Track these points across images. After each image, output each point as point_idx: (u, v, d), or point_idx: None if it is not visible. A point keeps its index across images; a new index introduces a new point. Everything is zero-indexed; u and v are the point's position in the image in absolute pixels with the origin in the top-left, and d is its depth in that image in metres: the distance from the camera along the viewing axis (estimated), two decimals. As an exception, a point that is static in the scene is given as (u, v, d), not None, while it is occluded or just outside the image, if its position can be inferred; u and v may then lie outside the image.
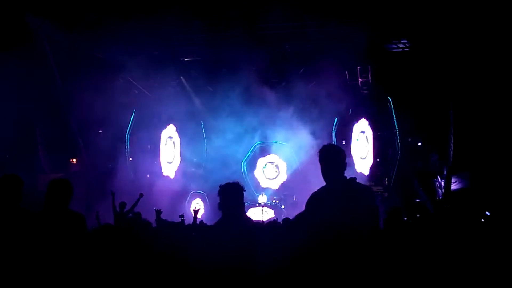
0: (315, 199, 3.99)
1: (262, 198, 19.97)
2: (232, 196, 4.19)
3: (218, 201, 4.21)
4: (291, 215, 11.36)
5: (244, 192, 4.25)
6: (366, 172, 19.39)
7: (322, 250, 3.76)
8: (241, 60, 16.76)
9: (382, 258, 4.07)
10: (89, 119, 16.67)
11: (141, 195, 13.34)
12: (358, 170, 19.30)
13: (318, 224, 3.83)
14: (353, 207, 3.78)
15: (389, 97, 18.60)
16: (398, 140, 18.75)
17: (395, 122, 18.61)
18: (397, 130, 18.72)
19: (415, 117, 17.94)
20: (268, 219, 18.06)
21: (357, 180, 3.97)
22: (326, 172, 4.02)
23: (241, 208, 4.26)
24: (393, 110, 18.64)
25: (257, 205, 19.39)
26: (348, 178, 3.99)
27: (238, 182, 4.27)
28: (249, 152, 20.73)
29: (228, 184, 4.25)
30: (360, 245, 3.72)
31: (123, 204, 12.49)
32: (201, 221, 13.92)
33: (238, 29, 15.98)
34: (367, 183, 18.54)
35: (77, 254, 4.17)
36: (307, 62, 18.03)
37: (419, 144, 19.23)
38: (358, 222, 3.75)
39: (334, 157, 4.04)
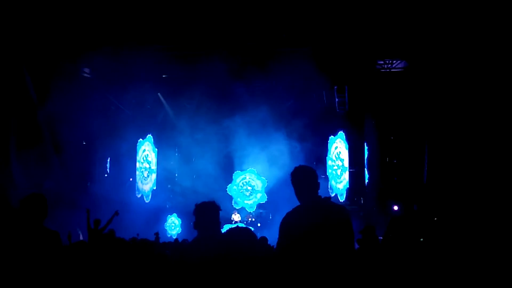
0: (289, 217, 4.01)
1: (236, 217, 19.88)
2: (207, 215, 4.16)
3: (194, 220, 4.18)
4: (267, 234, 11.41)
5: (220, 211, 4.23)
6: (342, 191, 19.51)
7: (297, 268, 3.77)
8: (217, 77, 16.85)
9: (357, 276, 4.09)
10: (64, 134, 16.49)
11: (117, 213, 13.18)
12: (334, 189, 19.43)
13: (292, 242, 3.84)
14: (327, 225, 3.80)
15: (365, 116, 18.80)
16: (375, 159, 18.92)
17: (372, 140, 18.80)
18: (372, 149, 18.91)
19: (390, 135, 18.19)
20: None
21: (331, 199, 4.01)
22: (299, 193, 4.05)
23: (217, 227, 4.24)
24: (370, 129, 18.84)
25: (233, 223, 19.29)
26: (322, 197, 4.03)
27: (214, 201, 4.25)
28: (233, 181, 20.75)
29: (203, 203, 4.21)
30: (335, 263, 3.74)
31: (97, 221, 12.32)
32: (176, 239, 13.86)
33: (214, 47, 16.06)
34: (343, 202, 18.69)
35: (53, 271, 4.10)
36: (283, 80, 18.11)
37: (394, 161, 19.42)
38: (332, 239, 3.77)
39: (306, 177, 4.06)
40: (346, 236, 3.86)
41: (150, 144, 21.37)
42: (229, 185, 20.78)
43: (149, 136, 21.22)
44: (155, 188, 21.13)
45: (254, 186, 20.70)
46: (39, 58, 15.56)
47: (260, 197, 20.60)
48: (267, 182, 20.42)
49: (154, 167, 21.39)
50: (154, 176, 21.33)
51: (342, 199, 19.19)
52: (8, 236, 4.27)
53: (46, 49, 15.34)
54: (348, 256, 3.83)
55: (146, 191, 20.91)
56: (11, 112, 15.13)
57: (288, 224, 3.97)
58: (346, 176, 19.69)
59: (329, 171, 20.01)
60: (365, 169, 19.67)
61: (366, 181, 19.48)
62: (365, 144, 19.32)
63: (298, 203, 4.07)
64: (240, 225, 18.58)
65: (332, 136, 20.00)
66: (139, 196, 20.40)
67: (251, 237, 3.93)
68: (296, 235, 3.82)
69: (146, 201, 20.38)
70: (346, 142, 19.73)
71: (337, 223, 3.85)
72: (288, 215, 4.03)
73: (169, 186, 21.69)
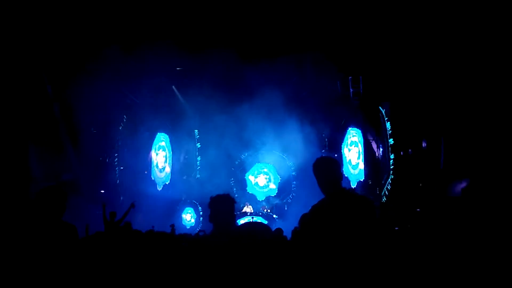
0: (316, 210, 3.98)
1: (247, 208, 19.93)
2: (222, 208, 4.18)
3: (209, 213, 4.20)
4: (283, 225, 11.42)
5: (235, 204, 4.25)
6: (356, 178, 19.46)
7: (324, 262, 3.75)
8: (231, 69, 16.86)
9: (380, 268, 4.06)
10: (80, 127, 16.66)
11: (133, 205, 13.31)
12: (350, 180, 19.37)
13: (320, 237, 3.81)
14: (355, 217, 3.78)
15: (380, 107, 18.65)
16: (390, 149, 18.78)
17: (387, 131, 18.66)
18: (388, 139, 18.78)
19: (406, 125, 18.02)
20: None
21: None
22: (323, 185, 4.01)
23: (232, 220, 4.25)
24: (384, 119, 18.70)
25: (248, 214, 19.33)
26: (347, 189, 3.99)
27: (229, 194, 4.26)
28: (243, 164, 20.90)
29: (218, 196, 4.24)
30: (364, 255, 3.72)
31: (113, 214, 12.45)
32: (199, 231, 13.94)
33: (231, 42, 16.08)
34: (358, 192, 18.59)
35: (69, 265, 4.12)
36: (298, 71, 18.06)
37: (410, 151, 19.24)
38: (360, 231, 3.75)
39: (329, 168, 4.02)
40: (373, 228, 3.82)
41: (165, 136, 21.49)
42: (247, 172, 20.87)
43: (164, 128, 21.34)
44: (168, 182, 21.25)
45: (269, 178, 20.85)
46: (55, 54, 15.71)
47: (272, 189, 20.72)
48: (282, 171, 20.54)
49: (169, 158, 21.51)
50: (169, 167, 21.44)
51: (353, 185, 19.16)
52: (25, 229, 4.23)
53: (61, 45, 15.48)
54: (375, 248, 3.79)
55: (161, 182, 21.05)
56: (28, 106, 15.30)
57: (316, 217, 3.95)
58: (361, 166, 19.63)
59: (345, 161, 19.95)
60: (379, 160, 19.57)
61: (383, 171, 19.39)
62: (380, 134, 19.19)
63: (314, 194, 4.05)
64: (258, 218, 18.69)
65: (349, 128, 19.95)
66: (155, 186, 20.54)
67: (266, 231, 3.93)
68: (326, 228, 3.80)
69: (161, 193, 20.48)
70: (361, 134, 19.65)
71: (364, 215, 3.82)
72: (314, 207, 4.01)
73: (184, 177, 21.79)
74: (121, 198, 18.00)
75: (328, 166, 4.04)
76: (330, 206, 3.90)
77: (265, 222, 17.95)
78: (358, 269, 3.69)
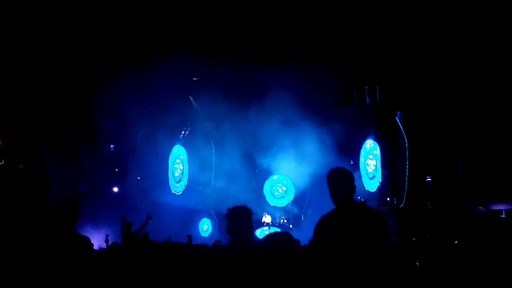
0: (324, 223, 3.95)
1: (266, 218, 19.84)
2: (240, 220, 4.16)
3: (226, 225, 4.18)
4: (299, 235, 11.35)
5: (251, 215, 4.22)
6: (373, 190, 19.31)
7: (334, 275, 3.71)
8: (250, 81, 16.90)
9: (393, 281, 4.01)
10: (97, 138, 16.82)
11: (150, 217, 13.38)
12: (366, 189, 19.22)
13: (328, 247, 3.78)
14: (363, 230, 3.74)
15: (396, 117, 18.55)
16: (408, 159, 18.64)
17: (405, 140, 18.53)
18: (407, 149, 18.64)
19: (423, 135, 17.88)
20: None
21: (366, 203, 3.94)
22: (335, 195, 3.99)
23: (250, 232, 4.22)
24: (401, 128, 18.58)
25: (265, 225, 19.26)
26: (358, 202, 3.96)
27: (245, 206, 4.24)
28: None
29: (235, 207, 4.22)
30: (373, 268, 3.67)
31: (129, 224, 12.53)
32: (215, 242, 13.91)
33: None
34: (376, 204, 18.46)
35: (80, 275, 4.09)
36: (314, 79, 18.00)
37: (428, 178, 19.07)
38: (369, 244, 3.71)
39: (342, 180, 4.00)
40: (383, 241, 3.78)
41: (181, 148, 21.56)
42: (266, 181, 20.93)
43: (182, 139, 21.41)
44: (186, 189, 21.28)
45: (285, 190, 20.77)
46: (74, 65, 15.93)
47: (288, 199, 20.66)
48: (297, 180, 20.46)
49: (186, 169, 21.55)
50: (186, 178, 21.48)
51: (373, 199, 18.97)
52: (38, 238, 4.21)
53: (80, 55, 15.69)
54: (385, 261, 3.75)
55: (179, 193, 21.09)
56: (47, 119, 15.51)
57: (323, 228, 3.93)
58: (378, 176, 19.47)
59: (362, 170, 19.81)
60: (397, 170, 19.42)
61: (399, 181, 19.23)
62: (397, 144, 19.07)
63: (330, 203, 4.01)
64: (274, 229, 18.60)
65: (368, 138, 19.82)
66: (172, 196, 20.59)
67: (290, 243, 3.87)
68: (332, 240, 3.77)
69: (178, 203, 20.49)
70: (378, 145, 19.52)
71: (374, 228, 3.79)
72: (323, 218, 3.99)
73: (200, 188, 21.81)
74: (138, 207, 18.05)
75: (342, 178, 4.02)
76: (340, 219, 3.88)
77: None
78: (368, 281, 3.63)
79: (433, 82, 16.85)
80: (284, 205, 20.73)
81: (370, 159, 19.74)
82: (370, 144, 19.77)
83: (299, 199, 20.73)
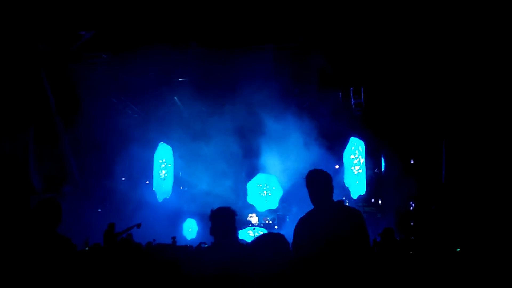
0: (303, 222, 3.97)
1: (252, 219, 19.84)
2: (223, 221, 4.15)
3: (210, 226, 4.16)
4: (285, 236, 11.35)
5: (236, 217, 4.21)
6: (360, 193, 19.36)
7: (313, 273, 3.72)
8: (233, 80, 16.86)
9: (374, 279, 4.03)
10: (82, 139, 16.68)
11: (138, 226, 13.32)
12: (351, 191, 19.29)
13: (307, 247, 3.80)
14: (342, 229, 3.77)
15: (382, 117, 18.64)
16: (392, 160, 18.77)
17: (389, 141, 18.65)
18: (389, 150, 18.77)
19: (407, 135, 18.01)
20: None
21: (345, 202, 3.97)
22: (313, 196, 4.04)
23: (234, 233, 4.21)
24: (386, 130, 18.68)
25: (250, 225, 19.29)
26: (336, 200, 4.00)
27: (230, 207, 4.23)
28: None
29: (219, 208, 4.20)
30: (352, 267, 3.70)
31: (112, 225, 12.43)
32: (200, 243, 13.89)
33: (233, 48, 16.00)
34: (360, 204, 18.55)
35: (62, 278, 4.04)
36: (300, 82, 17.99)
37: (412, 161, 19.19)
38: (348, 243, 3.74)
39: (320, 181, 4.05)
40: (361, 240, 3.82)
41: (167, 147, 21.48)
42: (250, 181, 20.88)
43: (167, 139, 21.31)
44: (169, 193, 21.21)
45: (271, 190, 20.75)
46: (58, 65, 15.75)
47: (274, 200, 20.64)
48: (283, 181, 20.44)
49: (171, 170, 21.48)
50: (171, 179, 21.41)
51: (354, 197, 19.05)
52: (19, 241, 4.16)
53: (65, 57, 15.52)
54: (364, 259, 3.78)
55: (164, 194, 21.01)
56: (31, 119, 15.33)
57: (302, 229, 3.95)
58: (362, 176, 19.55)
59: (346, 172, 19.87)
60: (382, 170, 19.53)
61: (383, 182, 19.35)
62: (382, 145, 19.18)
63: (312, 206, 4.04)
64: (258, 229, 18.60)
65: (352, 137, 19.90)
66: (156, 198, 20.52)
67: (280, 245, 3.78)
68: (311, 240, 3.79)
69: (163, 205, 20.43)
70: (363, 144, 19.61)
71: (352, 227, 3.84)
72: (302, 220, 4.02)
73: (185, 188, 21.74)
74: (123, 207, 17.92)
75: (319, 178, 4.07)
76: (317, 218, 3.92)
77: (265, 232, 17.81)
78: (348, 280, 3.65)
79: (419, 82, 16.96)
80: (266, 208, 20.72)
81: (355, 160, 19.82)
82: (356, 145, 19.85)
83: (284, 200, 20.74)
